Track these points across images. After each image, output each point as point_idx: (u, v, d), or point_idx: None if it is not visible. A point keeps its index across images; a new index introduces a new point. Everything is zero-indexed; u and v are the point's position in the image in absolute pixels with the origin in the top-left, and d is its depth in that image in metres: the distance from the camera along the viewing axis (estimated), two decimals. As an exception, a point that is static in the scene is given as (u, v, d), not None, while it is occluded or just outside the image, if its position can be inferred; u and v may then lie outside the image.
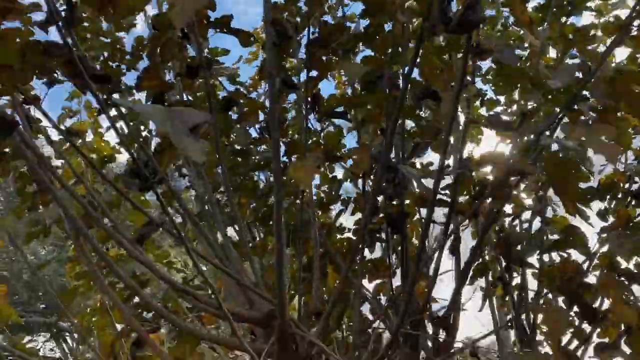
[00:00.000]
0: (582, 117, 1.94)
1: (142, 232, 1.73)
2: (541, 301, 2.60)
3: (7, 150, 2.04)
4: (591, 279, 2.50)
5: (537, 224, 3.26)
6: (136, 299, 3.12)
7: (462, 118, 3.18)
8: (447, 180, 2.83)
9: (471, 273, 2.84)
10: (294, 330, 2.06)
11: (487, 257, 3.24)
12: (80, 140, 3.95)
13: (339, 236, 3.53)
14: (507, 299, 3.35)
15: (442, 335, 2.60)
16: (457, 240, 2.45)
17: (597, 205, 3.02)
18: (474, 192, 2.55)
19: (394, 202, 2.38)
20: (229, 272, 2.04)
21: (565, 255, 2.64)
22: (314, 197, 3.27)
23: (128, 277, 2.30)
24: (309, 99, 2.47)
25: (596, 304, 2.56)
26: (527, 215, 3.55)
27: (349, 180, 3.75)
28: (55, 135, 3.23)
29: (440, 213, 2.84)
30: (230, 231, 3.17)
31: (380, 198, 2.74)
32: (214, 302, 2.09)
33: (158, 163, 2.09)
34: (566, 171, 1.97)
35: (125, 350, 2.95)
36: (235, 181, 3.34)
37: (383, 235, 3.00)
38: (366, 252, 3.30)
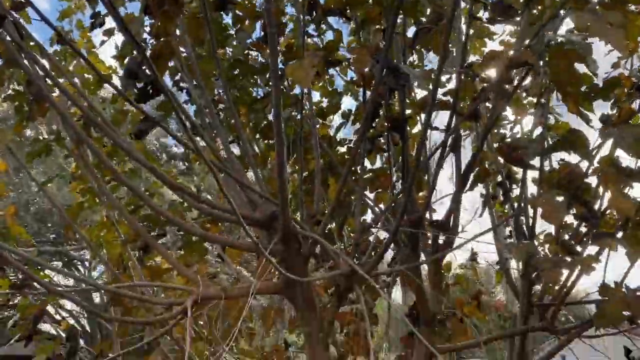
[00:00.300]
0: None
1: (140, 128, 1.71)
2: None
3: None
4: (591, 180, 2.52)
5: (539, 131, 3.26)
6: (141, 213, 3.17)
7: (464, 28, 3.10)
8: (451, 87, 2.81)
9: (472, 179, 2.86)
10: (296, 230, 2.11)
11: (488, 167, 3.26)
12: (74, 62, 3.89)
13: (340, 149, 3.54)
14: (506, 207, 3.40)
15: (442, 238, 2.65)
16: (457, 138, 2.44)
17: (600, 110, 3.00)
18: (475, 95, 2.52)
19: (395, 106, 2.36)
20: (233, 175, 2.06)
21: (565, 160, 2.65)
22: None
23: (136, 188, 2.33)
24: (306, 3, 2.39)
25: (595, 206, 2.59)
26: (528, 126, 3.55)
27: (349, 94, 3.72)
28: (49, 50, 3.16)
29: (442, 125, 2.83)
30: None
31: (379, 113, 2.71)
32: (223, 206, 2.13)
33: (155, 69, 2.05)
34: (569, 63, 1.93)
35: (133, 261, 3.04)
36: (234, 95, 3.30)
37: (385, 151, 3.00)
38: (368, 163, 3.33)
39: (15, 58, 1.94)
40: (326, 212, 3.03)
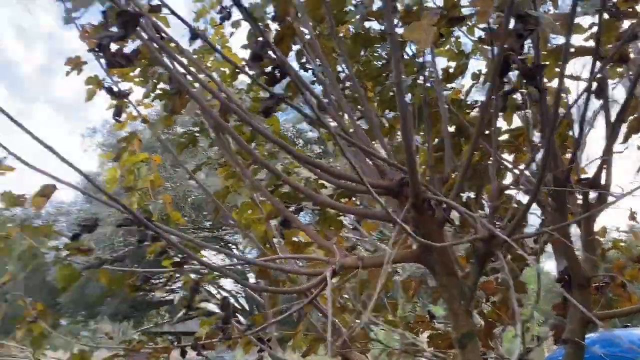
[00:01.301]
0: None
1: (267, 105, 1.80)
2: None
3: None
4: None
5: None
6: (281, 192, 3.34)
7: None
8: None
9: (625, 130, 2.58)
10: (428, 195, 2.06)
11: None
12: (211, 58, 4.18)
13: (472, 113, 3.39)
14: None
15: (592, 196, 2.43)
16: (601, 85, 2.20)
17: None
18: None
19: (527, 54, 2.18)
20: (360, 145, 2.07)
21: None
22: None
23: (274, 168, 2.46)
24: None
25: None
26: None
27: (478, 54, 3.53)
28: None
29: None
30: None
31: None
32: (353, 177, 2.15)
33: (279, 52, 2.13)
34: None
35: (277, 237, 3.22)
36: (359, 69, 3.31)
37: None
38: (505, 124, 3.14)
39: (156, 57, 2.14)
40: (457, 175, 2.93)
